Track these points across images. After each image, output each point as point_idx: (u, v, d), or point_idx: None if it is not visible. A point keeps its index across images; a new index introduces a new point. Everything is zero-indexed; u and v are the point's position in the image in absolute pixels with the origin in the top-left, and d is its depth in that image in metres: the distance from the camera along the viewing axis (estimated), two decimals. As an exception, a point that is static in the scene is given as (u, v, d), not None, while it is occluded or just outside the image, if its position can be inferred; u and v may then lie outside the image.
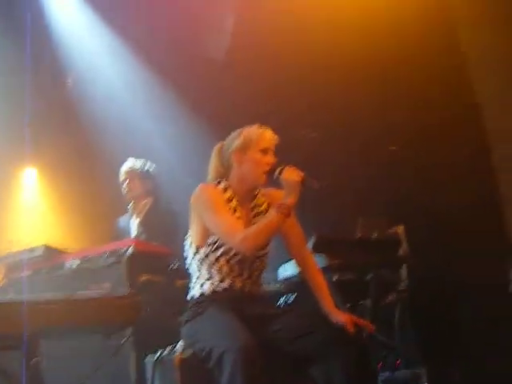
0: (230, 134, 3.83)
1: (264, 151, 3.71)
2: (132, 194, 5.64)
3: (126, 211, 5.75)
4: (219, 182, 3.80)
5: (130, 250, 4.44)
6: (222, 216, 3.63)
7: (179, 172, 6.51)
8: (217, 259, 3.68)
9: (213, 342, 3.37)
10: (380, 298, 5.14)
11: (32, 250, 4.68)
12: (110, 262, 4.44)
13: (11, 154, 6.75)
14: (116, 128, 6.89)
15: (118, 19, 6.78)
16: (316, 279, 3.78)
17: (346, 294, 4.70)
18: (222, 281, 3.68)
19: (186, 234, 3.80)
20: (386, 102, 6.34)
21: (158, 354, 3.64)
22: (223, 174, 3.82)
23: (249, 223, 3.72)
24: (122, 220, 5.75)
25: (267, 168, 3.67)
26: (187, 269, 3.83)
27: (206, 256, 3.69)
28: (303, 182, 3.55)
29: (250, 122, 3.80)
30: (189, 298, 3.75)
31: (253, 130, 3.75)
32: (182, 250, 3.86)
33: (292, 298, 4.91)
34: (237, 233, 3.56)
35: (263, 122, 3.81)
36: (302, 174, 3.57)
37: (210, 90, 6.72)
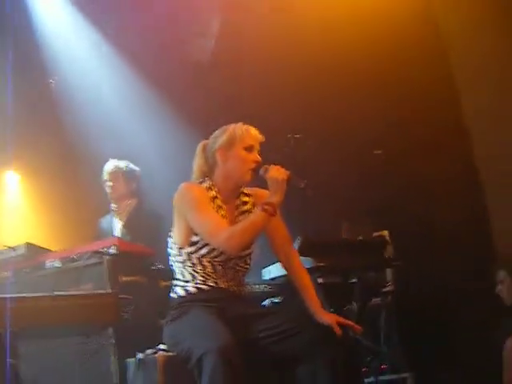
0: (215, 134, 3.79)
1: (249, 149, 3.67)
2: (115, 194, 5.60)
3: (108, 212, 5.69)
4: (203, 181, 3.74)
5: (113, 250, 4.39)
6: (205, 215, 3.57)
7: (163, 174, 6.46)
8: (200, 259, 3.62)
9: (193, 342, 3.32)
10: (366, 301, 5.10)
11: (14, 248, 4.62)
12: (92, 262, 4.40)
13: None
14: (100, 130, 6.84)
15: (104, 22, 6.75)
16: (302, 279, 3.73)
17: (332, 297, 4.66)
18: (205, 281, 3.62)
19: (168, 237, 3.75)
20: (378, 108, 6.32)
21: (140, 354, 3.58)
22: (207, 173, 3.77)
23: (233, 222, 3.67)
24: (104, 221, 5.71)
25: (252, 165, 3.64)
26: (170, 269, 3.77)
27: (189, 256, 3.64)
28: (289, 181, 3.51)
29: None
30: (171, 298, 3.69)
31: (238, 127, 3.70)
32: (166, 252, 3.80)
33: (277, 299, 4.86)
34: (221, 231, 3.50)
35: (249, 124, 3.76)
36: (287, 172, 3.54)
37: (195, 92, 6.70)
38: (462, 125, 5.98)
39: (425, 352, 5.65)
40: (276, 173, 3.53)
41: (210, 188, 3.71)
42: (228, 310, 3.55)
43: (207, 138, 3.80)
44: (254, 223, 3.51)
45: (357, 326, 3.59)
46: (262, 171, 3.59)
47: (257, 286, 4.87)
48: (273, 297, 4.91)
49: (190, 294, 3.61)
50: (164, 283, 4.47)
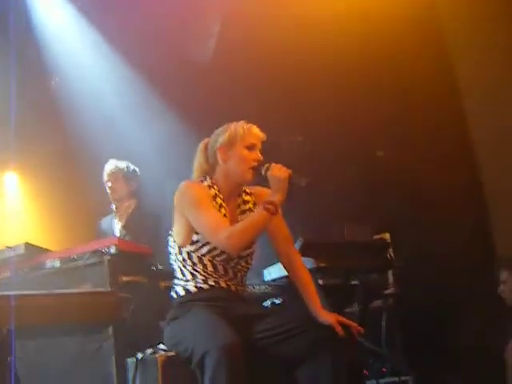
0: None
1: (250, 147, 3.64)
2: (116, 195, 5.58)
3: (108, 213, 5.67)
4: (204, 180, 3.71)
5: (112, 250, 4.37)
6: (206, 213, 3.54)
7: (163, 174, 6.44)
8: (200, 258, 3.59)
9: (195, 341, 3.30)
10: (367, 303, 5.08)
11: (13, 248, 4.60)
12: (92, 261, 4.37)
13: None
14: (100, 131, 6.81)
15: (105, 22, 6.74)
16: (303, 278, 3.70)
17: (332, 298, 4.63)
18: (205, 280, 3.59)
19: (169, 235, 3.72)
20: (375, 107, 6.31)
21: (140, 354, 3.55)
22: (208, 172, 3.74)
23: (234, 221, 3.64)
24: (104, 222, 5.69)
25: (253, 164, 3.61)
26: (171, 269, 3.74)
27: (190, 255, 3.61)
28: (290, 180, 3.48)
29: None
30: (172, 297, 3.66)
31: (239, 126, 3.67)
32: (165, 252, 3.78)
33: (278, 300, 4.84)
34: (222, 230, 3.47)
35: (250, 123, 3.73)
36: (289, 171, 3.51)
37: (195, 92, 6.68)
38: (463, 122, 5.96)
39: (426, 355, 5.63)
40: (277, 171, 3.50)
41: (210, 186, 3.68)
42: (229, 310, 3.52)
43: (208, 137, 3.78)
44: (256, 222, 3.49)
45: (358, 327, 3.56)
46: (263, 170, 3.56)
47: (257, 287, 4.83)
48: (273, 298, 4.87)
49: (191, 293, 3.58)
50: (164, 284, 4.44)
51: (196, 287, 3.59)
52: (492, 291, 5.06)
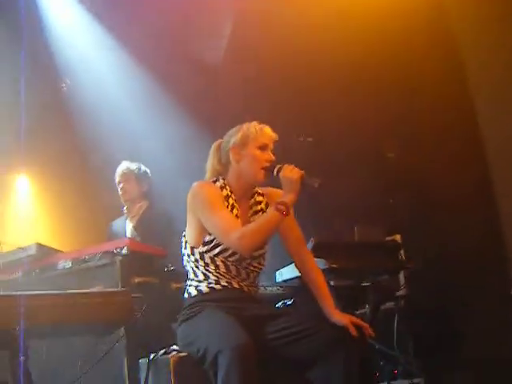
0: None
1: (263, 148, 3.64)
2: (128, 196, 5.59)
3: (119, 215, 5.68)
4: (216, 180, 3.71)
5: (124, 251, 4.36)
6: (219, 214, 3.54)
7: (174, 175, 6.44)
8: (213, 259, 3.59)
9: (208, 342, 3.29)
10: (378, 304, 5.06)
11: (24, 249, 4.60)
12: (104, 262, 4.37)
13: (3, 159, 6.68)
14: (111, 132, 6.82)
15: (117, 23, 6.75)
16: (316, 279, 3.70)
17: (344, 299, 4.62)
18: (218, 281, 3.59)
19: (181, 237, 3.71)
20: (384, 108, 6.29)
21: (153, 355, 3.55)
22: (221, 172, 3.75)
23: (247, 222, 3.64)
24: (115, 224, 5.69)
25: (266, 164, 3.61)
26: (183, 271, 3.74)
27: (202, 256, 3.61)
28: (303, 181, 3.48)
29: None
30: (184, 298, 3.66)
31: (252, 126, 3.68)
32: (177, 253, 3.77)
33: (290, 302, 4.82)
34: (234, 231, 3.47)
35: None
36: (301, 172, 3.51)
37: (207, 93, 6.68)
38: (471, 122, 5.94)
39: (437, 357, 5.60)
40: (290, 172, 3.50)
41: (223, 187, 3.68)
42: (242, 310, 3.52)
43: (220, 138, 3.78)
44: (267, 223, 3.48)
45: (369, 329, 3.55)
46: (275, 171, 3.55)
47: (269, 288, 4.82)
48: (285, 299, 4.86)
49: (203, 293, 3.58)
50: (175, 285, 4.43)
51: (208, 288, 3.58)
52: (504, 291, 5.04)
